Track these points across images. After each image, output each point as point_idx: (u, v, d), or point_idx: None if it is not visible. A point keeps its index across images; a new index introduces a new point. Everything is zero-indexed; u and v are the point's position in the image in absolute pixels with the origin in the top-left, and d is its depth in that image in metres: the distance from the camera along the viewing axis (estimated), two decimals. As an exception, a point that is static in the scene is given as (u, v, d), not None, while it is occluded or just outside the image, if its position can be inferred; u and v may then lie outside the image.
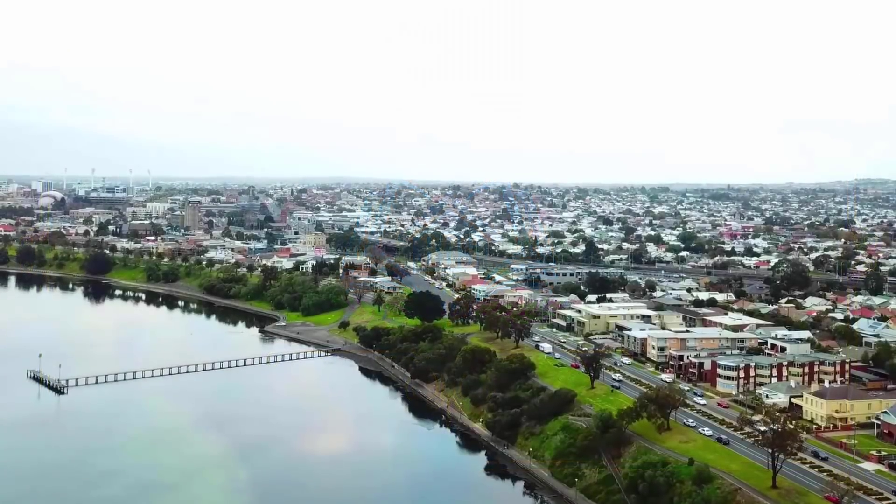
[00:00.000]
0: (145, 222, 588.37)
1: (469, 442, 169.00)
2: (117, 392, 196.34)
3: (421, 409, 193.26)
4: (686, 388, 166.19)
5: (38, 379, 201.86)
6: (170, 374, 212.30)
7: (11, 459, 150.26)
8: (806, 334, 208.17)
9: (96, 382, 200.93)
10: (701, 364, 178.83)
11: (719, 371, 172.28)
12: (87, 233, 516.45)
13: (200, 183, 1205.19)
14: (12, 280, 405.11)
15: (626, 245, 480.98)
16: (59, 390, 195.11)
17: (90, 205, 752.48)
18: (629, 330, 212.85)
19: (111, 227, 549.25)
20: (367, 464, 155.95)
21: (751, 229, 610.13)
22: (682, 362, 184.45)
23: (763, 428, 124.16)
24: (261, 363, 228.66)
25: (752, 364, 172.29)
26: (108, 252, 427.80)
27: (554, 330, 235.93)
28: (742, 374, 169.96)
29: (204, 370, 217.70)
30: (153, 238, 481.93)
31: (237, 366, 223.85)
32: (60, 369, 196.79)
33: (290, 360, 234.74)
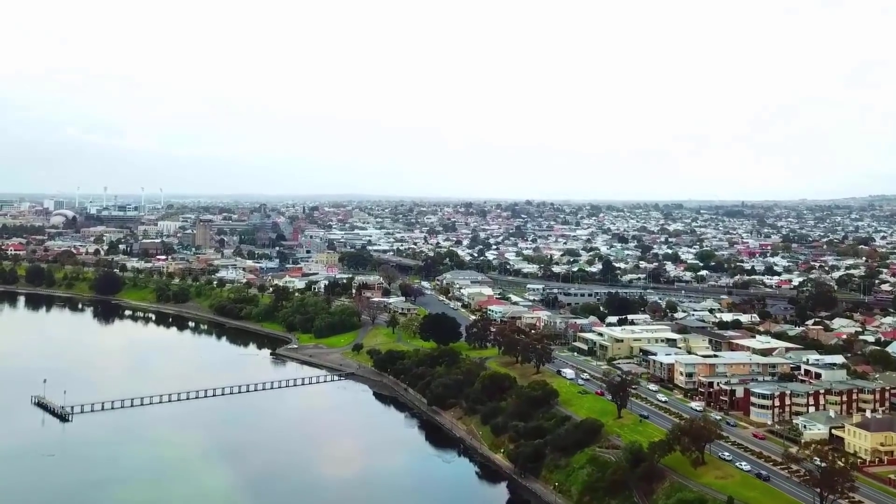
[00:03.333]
0: (156, 241, 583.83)
1: (489, 473, 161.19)
2: (124, 419, 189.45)
3: (438, 437, 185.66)
4: (718, 418, 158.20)
5: (42, 405, 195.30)
6: (178, 399, 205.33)
7: (12, 491, 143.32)
8: (839, 359, 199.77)
9: (102, 409, 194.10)
10: (733, 391, 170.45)
11: (753, 399, 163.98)
12: (97, 252, 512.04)
13: (212, 200, 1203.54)
14: (21, 300, 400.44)
15: (643, 264, 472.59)
16: (63, 417, 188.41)
17: (101, 223, 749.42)
18: (654, 354, 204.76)
19: (122, 246, 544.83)
20: (383, 495, 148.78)
21: (769, 247, 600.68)
22: (711, 389, 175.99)
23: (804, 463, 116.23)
24: (272, 388, 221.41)
25: (788, 392, 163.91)
26: (118, 272, 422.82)
27: (575, 354, 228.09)
28: (777, 402, 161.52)
29: (214, 395, 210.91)
30: (164, 257, 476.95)
31: (248, 391, 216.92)
32: (66, 395, 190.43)
33: (303, 384, 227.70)
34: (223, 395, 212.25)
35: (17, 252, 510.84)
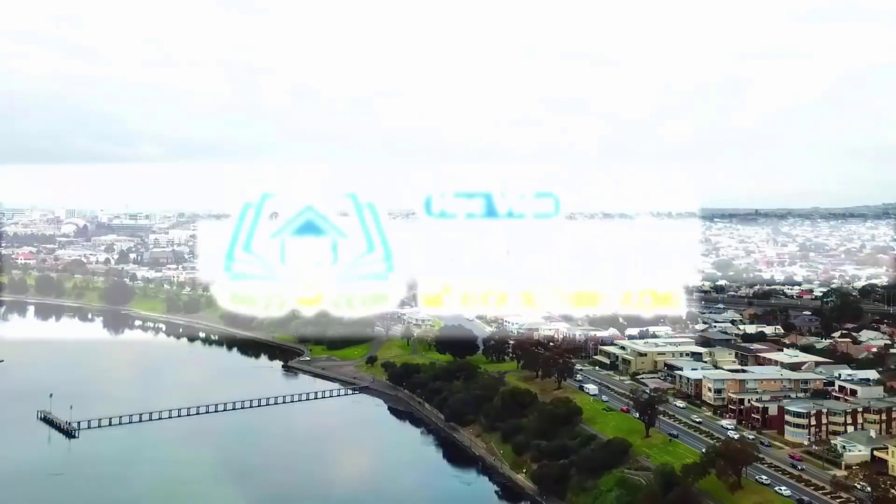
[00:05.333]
0: (167, 250, 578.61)
1: (511, 494, 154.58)
2: (131, 435, 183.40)
3: (456, 455, 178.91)
4: (751, 437, 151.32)
5: (48, 421, 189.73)
6: (188, 414, 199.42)
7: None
8: (873, 374, 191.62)
9: (109, 424, 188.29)
10: (765, 409, 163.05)
11: (787, 418, 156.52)
12: (107, 261, 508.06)
13: (224, 208, 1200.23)
14: (31, 311, 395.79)
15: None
16: (69, 433, 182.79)
17: (113, 232, 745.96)
18: (680, 369, 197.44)
19: (132, 255, 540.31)
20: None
21: (786, 256, 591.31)
22: (742, 406, 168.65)
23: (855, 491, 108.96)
24: (285, 402, 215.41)
25: (824, 410, 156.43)
26: (128, 281, 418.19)
27: (596, 368, 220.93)
28: (814, 421, 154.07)
29: (224, 410, 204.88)
30: (174, 266, 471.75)
31: (260, 405, 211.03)
32: (72, 410, 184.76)
33: (316, 398, 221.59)
34: (234, 409, 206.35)
35: (28, 261, 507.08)
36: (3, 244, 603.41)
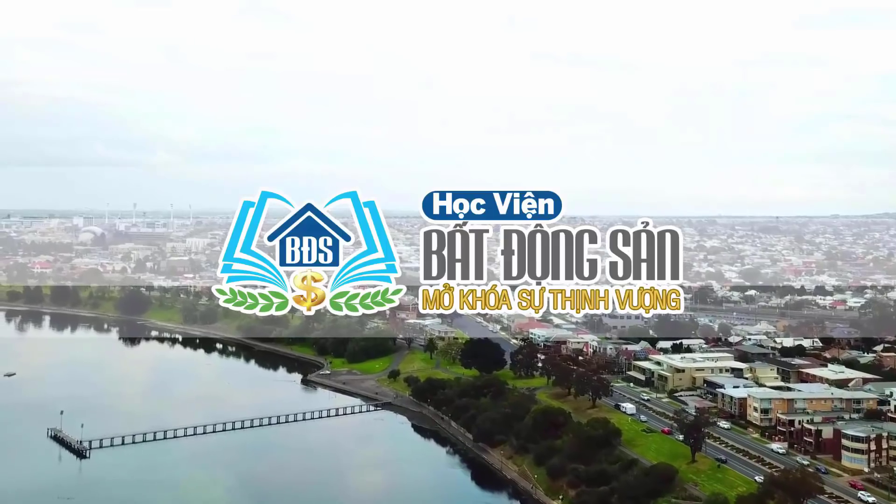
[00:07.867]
0: (184, 258, 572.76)
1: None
2: (145, 455, 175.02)
3: (486, 478, 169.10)
4: (805, 462, 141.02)
5: (58, 439, 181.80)
6: (203, 432, 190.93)
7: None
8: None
9: (122, 443, 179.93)
10: (819, 432, 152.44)
11: (844, 442, 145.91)
12: (124, 270, 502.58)
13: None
14: (46, 320, 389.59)
15: (686, 283, 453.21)
16: (80, 453, 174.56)
17: (130, 240, 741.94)
18: (721, 387, 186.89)
19: (149, 264, 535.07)
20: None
21: (813, 265, 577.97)
22: (793, 429, 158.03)
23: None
24: (304, 419, 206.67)
25: (884, 433, 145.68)
26: (144, 290, 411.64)
27: (631, 385, 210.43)
28: (873, 445, 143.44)
29: (242, 428, 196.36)
30: (191, 275, 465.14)
31: (279, 422, 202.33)
32: (83, 429, 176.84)
33: (337, 415, 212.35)
34: (252, 427, 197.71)
35: (44, 270, 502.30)
36: (20, 252, 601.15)
